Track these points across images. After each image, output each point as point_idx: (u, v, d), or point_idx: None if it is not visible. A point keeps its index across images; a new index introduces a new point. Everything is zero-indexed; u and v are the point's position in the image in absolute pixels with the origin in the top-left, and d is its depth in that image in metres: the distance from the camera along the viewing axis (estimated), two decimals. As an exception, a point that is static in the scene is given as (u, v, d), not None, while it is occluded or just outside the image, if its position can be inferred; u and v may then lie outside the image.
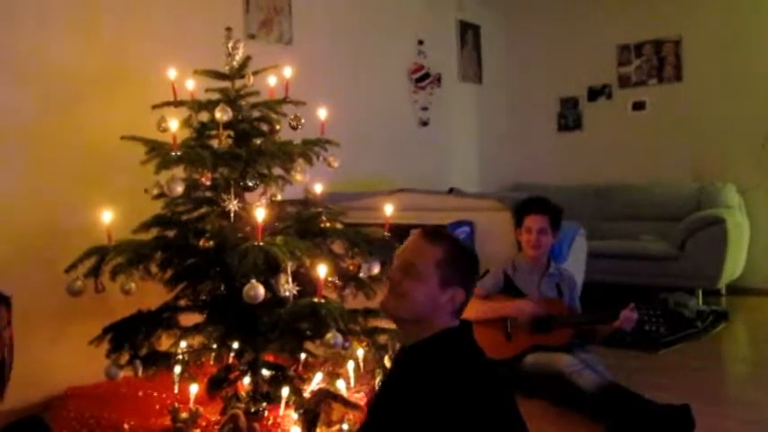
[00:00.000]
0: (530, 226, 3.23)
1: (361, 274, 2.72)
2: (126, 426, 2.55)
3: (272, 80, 2.92)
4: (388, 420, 1.62)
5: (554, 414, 2.85)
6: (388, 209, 2.79)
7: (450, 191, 4.35)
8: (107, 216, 2.58)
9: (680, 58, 5.69)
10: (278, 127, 2.81)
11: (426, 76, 5.53)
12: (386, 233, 2.73)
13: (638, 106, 5.93)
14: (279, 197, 2.81)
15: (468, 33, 6.08)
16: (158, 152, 2.52)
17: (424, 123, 5.54)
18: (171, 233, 2.67)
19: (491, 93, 6.30)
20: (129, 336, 2.55)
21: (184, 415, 2.46)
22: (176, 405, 2.53)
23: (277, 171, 2.77)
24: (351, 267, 2.71)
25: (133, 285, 2.54)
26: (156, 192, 2.63)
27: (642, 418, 2.58)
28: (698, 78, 5.60)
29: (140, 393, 2.83)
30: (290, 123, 2.83)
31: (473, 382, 1.55)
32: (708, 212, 4.94)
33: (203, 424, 2.49)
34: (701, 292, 4.81)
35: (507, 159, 6.38)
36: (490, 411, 1.52)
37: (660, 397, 2.71)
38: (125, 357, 2.54)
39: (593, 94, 6.18)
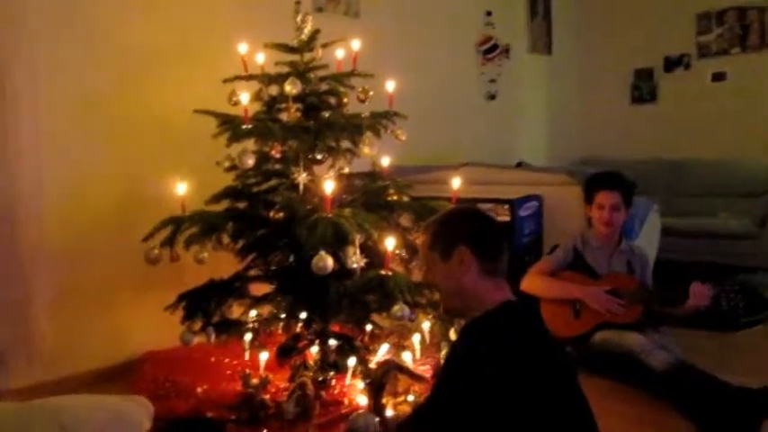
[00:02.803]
0: (602, 202, 3.14)
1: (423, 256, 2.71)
2: (199, 389, 2.65)
3: (339, 53, 2.93)
4: (442, 393, 1.64)
5: (623, 393, 2.79)
6: (456, 182, 2.77)
7: (519, 165, 4.30)
8: (181, 188, 2.66)
9: (765, 26, 5.39)
10: (346, 100, 2.82)
11: (494, 47, 5.43)
12: (446, 209, 2.71)
13: (719, 77, 5.67)
14: (346, 170, 2.83)
15: (539, 3, 5.92)
16: (229, 125, 2.57)
17: (492, 96, 5.45)
18: (242, 205, 2.73)
19: (561, 64, 6.13)
20: (202, 304, 2.64)
21: (255, 381, 2.54)
22: (247, 371, 2.61)
23: (345, 144, 2.79)
24: (418, 240, 2.70)
25: (206, 255, 2.63)
26: (227, 164, 2.69)
27: (717, 399, 2.49)
28: (785, 47, 5.31)
29: (212, 359, 2.93)
30: (357, 96, 2.83)
31: (518, 358, 1.53)
32: (792, 189, 4.71)
33: (273, 390, 2.56)
34: (782, 273, 4.60)
35: (577, 133, 6.22)
36: (535, 389, 1.50)
37: (737, 379, 2.61)
38: (198, 324, 2.64)
39: (670, 64, 5.94)
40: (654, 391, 2.69)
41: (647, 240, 3.70)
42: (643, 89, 6.12)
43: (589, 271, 3.16)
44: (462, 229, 1.69)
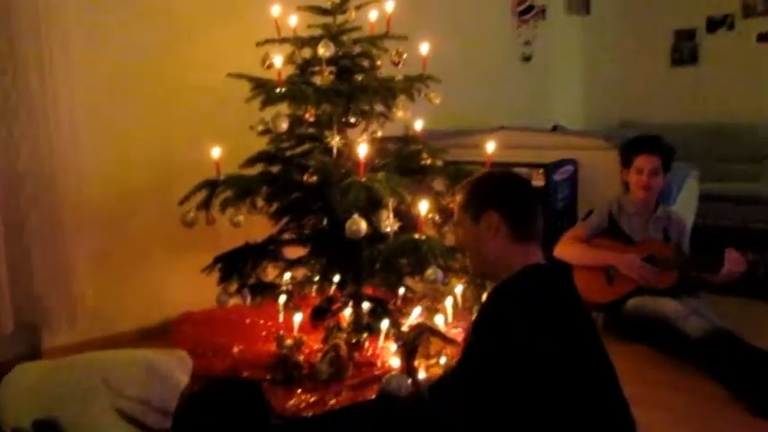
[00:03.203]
0: (640, 166, 3.08)
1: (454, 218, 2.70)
2: (235, 350, 2.71)
3: (373, 15, 2.88)
4: (472, 355, 1.66)
5: (657, 360, 2.78)
6: (490, 146, 2.74)
7: (554, 128, 4.23)
8: (216, 151, 2.68)
9: (814, -16, 5.19)
10: (379, 63, 2.80)
11: (530, 8, 5.31)
12: (480, 172, 2.69)
13: (764, 38, 5.47)
14: (379, 134, 2.82)
15: (577, -38, 5.76)
16: (263, 89, 2.56)
17: (528, 58, 5.35)
18: (275, 169, 2.75)
19: (599, 25, 5.97)
20: (238, 266, 2.68)
21: (289, 342, 2.58)
22: (281, 333, 2.65)
23: (378, 107, 2.77)
24: (451, 205, 2.70)
25: (241, 218, 2.66)
26: (261, 128, 2.70)
27: (752, 367, 2.47)
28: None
29: (248, 320, 2.99)
30: (391, 59, 2.80)
31: (548, 321, 1.53)
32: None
33: (306, 351, 2.60)
34: (824, 240, 4.49)
35: (615, 96, 6.08)
36: (564, 353, 1.50)
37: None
38: (234, 286, 2.68)
39: (713, 24, 5.74)
40: (688, 358, 2.67)
41: (685, 207, 3.64)
42: (684, 51, 5.94)
43: (624, 237, 3.13)
44: (494, 193, 1.68)
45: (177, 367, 2.16)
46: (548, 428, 1.54)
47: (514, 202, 1.66)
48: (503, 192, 1.68)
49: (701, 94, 5.79)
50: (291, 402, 2.29)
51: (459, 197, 1.73)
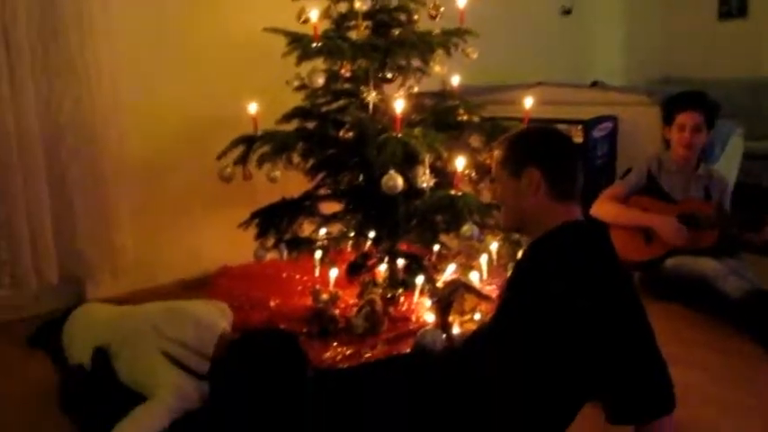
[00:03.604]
0: (683, 123, 3.00)
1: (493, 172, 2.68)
2: (272, 303, 2.76)
3: (410, -32, 2.83)
4: (509, 310, 1.67)
5: (694, 319, 2.75)
6: (528, 102, 2.70)
7: (594, 84, 4.13)
8: (253, 107, 2.69)
9: None
10: (416, 17, 2.75)
11: (572, -41, 5.15)
12: (522, 128, 2.65)
13: (818, -11, 5.24)
14: (416, 89, 2.79)
15: None
16: (299, 44, 2.55)
17: (567, 11, 5.21)
18: (311, 125, 2.75)
19: (642, -24, 5.78)
20: (275, 221, 2.72)
21: (325, 297, 2.62)
22: (317, 287, 2.69)
23: (415, 62, 2.73)
24: (488, 161, 2.67)
25: (278, 173, 2.67)
26: (297, 83, 2.69)
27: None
28: None
29: (284, 275, 3.03)
30: (428, 13, 2.75)
31: (586, 278, 1.52)
32: None
33: (342, 306, 2.64)
34: None
35: (658, 50, 5.90)
36: (601, 311, 1.49)
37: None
38: (271, 241, 2.72)
39: (764, -25, 5.50)
40: (726, 318, 2.64)
41: (728, 165, 3.55)
42: (732, 3, 5.71)
43: (664, 196, 3.07)
44: (535, 149, 1.66)
45: (219, 316, 2.23)
46: (582, 386, 1.55)
47: (556, 159, 1.64)
48: (545, 148, 1.65)
49: (749, 48, 5.57)
50: (327, 355, 2.33)
51: (498, 152, 1.70)
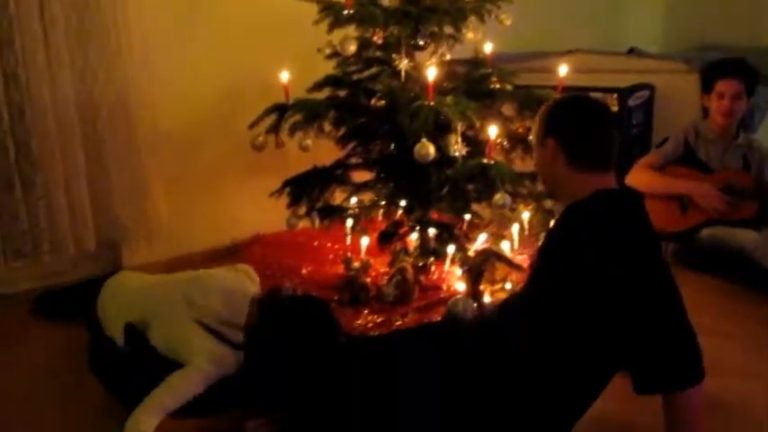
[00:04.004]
0: (722, 91, 2.93)
1: (530, 138, 2.65)
2: (304, 271, 2.78)
3: (443, -68, 2.77)
4: (541, 278, 1.67)
5: (730, 291, 2.72)
6: (562, 70, 2.65)
7: (630, 51, 4.04)
8: (284, 75, 2.69)
9: None
10: (449, -18, 2.70)
11: None
12: (558, 96, 2.61)
13: None
14: (448, 57, 2.76)
15: None
16: (330, 11, 2.53)
17: (604, -23, 5.07)
18: (343, 93, 2.74)
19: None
20: (306, 189, 2.73)
21: (356, 264, 2.63)
22: (349, 255, 2.71)
23: (448, 29, 2.69)
24: (520, 130, 2.65)
25: (310, 142, 2.68)
26: (328, 51, 2.68)
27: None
28: None
29: (316, 243, 3.05)
30: (462, -22, 2.70)
31: (619, 247, 1.51)
32: None
33: (373, 274, 2.65)
34: None
35: (696, 16, 5.72)
36: (634, 279, 1.48)
37: None
38: (303, 209, 2.73)
39: (812, -64, 5.29)
40: (764, 290, 2.61)
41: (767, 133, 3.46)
42: (775, -33, 5.51)
43: (701, 165, 3.02)
44: (555, 120, 1.66)
45: (247, 281, 2.26)
46: (612, 355, 1.55)
47: (574, 130, 1.63)
48: (563, 119, 1.65)
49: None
50: (358, 322, 2.35)
51: (536, 120, 1.73)
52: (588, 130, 1.63)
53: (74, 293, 2.64)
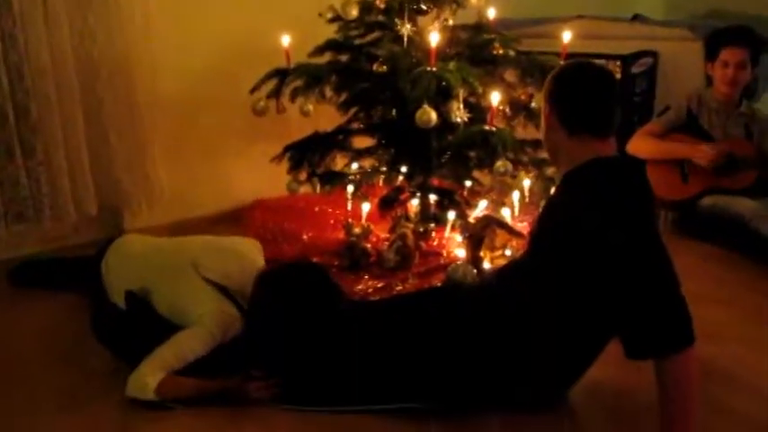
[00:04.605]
0: (726, 59, 2.90)
1: (533, 105, 2.64)
2: (305, 236, 2.80)
3: None
4: (542, 242, 1.69)
5: (730, 260, 2.73)
6: (566, 36, 2.63)
7: (635, 17, 3.99)
8: (286, 39, 2.66)
9: None
10: (452, -55, 2.67)
11: None
12: (561, 62, 2.59)
13: None
14: (451, 22, 2.73)
15: None
16: (333, -26, 2.51)
17: (609, -59, 4.98)
18: (344, 58, 2.71)
19: None
20: (307, 155, 2.72)
21: (357, 230, 2.65)
22: (350, 221, 2.72)
23: (450, -6, 2.67)
24: (522, 97, 2.64)
25: (311, 107, 2.67)
26: (330, 15, 2.65)
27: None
28: None
29: (317, 209, 3.06)
30: (466, -59, 2.67)
31: (620, 212, 1.52)
32: None
33: (374, 239, 2.67)
34: None
35: (702, -17, 5.66)
36: (634, 246, 1.49)
37: None
38: (304, 175, 2.73)
39: None
40: (762, 259, 2.62)
41: (772, 103, 3.45)
42: (784, -68, 5.41)
43: (703, 134, 3.01)
44: (553, 88, 1.66)
45: (257, 253, 2.26)
46: (609, 319, 1.57)
47: (571, 97, 1.63)
48: (559, 86, 1.65)
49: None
50: (359, 287, 2.38)
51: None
52: (585, 96, 1.62)
53: (48, 266, 2.64)
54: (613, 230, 1.50)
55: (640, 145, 2.99)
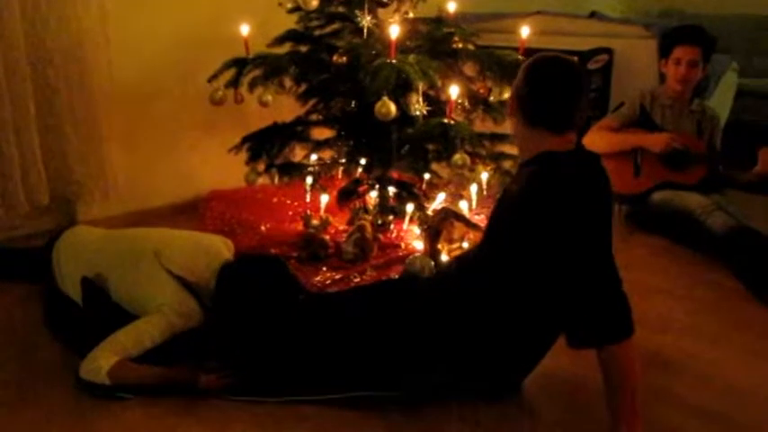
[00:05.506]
0: (679, 57, 2.97)
1: (491, 98, 2.67)
2: (263, 227, 2.78)
3: None
4: (496, 233, 1.72)
5: (679, 253, 2.80)
6: (524, 31, 2.66)
7: (592, 14, 4.06)
8: (245, 29, 2.64)
9: None
10: (413, -62, 2.67)
11: None
12: (520, 57, 2.62)
13: None
14: (411, 15, 2.73)
15: None
16: (293, -37, 2.49)
17: (569, -61, 5.05)
18: (304, 48, 2.70)
19: None
20: (266, 146, 2.70)
21: (315, 222, 2.64)
22: (308, 212, 2.71)
23: (411, -14, 2.67)
24: (481, 90, 2.66)
25: (270, 98, 2.64)
26: (290, 5, 2.63)
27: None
28: None
29: (275, 200, 3.05)
30: (426, -66, 2.67)
31: (575, 200, 1.56)
32: None
33: (332, 231, 2.67)
34: None
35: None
36: (587, 232, 1.54)
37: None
38: (262, 166, 2.71)
39: None
40: (710, 253, 2.70)
41: (721, 100, 3.55)
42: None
43: (655, 129, 3.07)
44: (517, 80, 1.69)
45: (224, 248, 2.23)
46: (557, 308, 1.60)
47: (530, 91, 1.65)
48: (521, 80, 1.68)
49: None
50: (317, 279, 2.38)
51: None
52: (546, 92, 1.65)
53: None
54: (550, 224, 1.53)
55: (595, 139, 3.04)
